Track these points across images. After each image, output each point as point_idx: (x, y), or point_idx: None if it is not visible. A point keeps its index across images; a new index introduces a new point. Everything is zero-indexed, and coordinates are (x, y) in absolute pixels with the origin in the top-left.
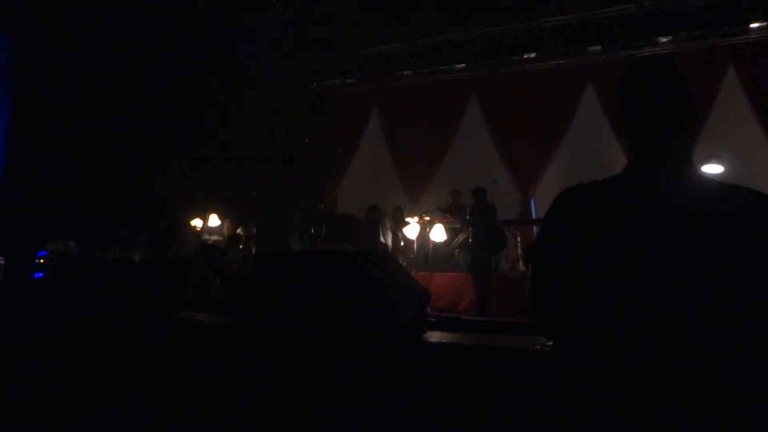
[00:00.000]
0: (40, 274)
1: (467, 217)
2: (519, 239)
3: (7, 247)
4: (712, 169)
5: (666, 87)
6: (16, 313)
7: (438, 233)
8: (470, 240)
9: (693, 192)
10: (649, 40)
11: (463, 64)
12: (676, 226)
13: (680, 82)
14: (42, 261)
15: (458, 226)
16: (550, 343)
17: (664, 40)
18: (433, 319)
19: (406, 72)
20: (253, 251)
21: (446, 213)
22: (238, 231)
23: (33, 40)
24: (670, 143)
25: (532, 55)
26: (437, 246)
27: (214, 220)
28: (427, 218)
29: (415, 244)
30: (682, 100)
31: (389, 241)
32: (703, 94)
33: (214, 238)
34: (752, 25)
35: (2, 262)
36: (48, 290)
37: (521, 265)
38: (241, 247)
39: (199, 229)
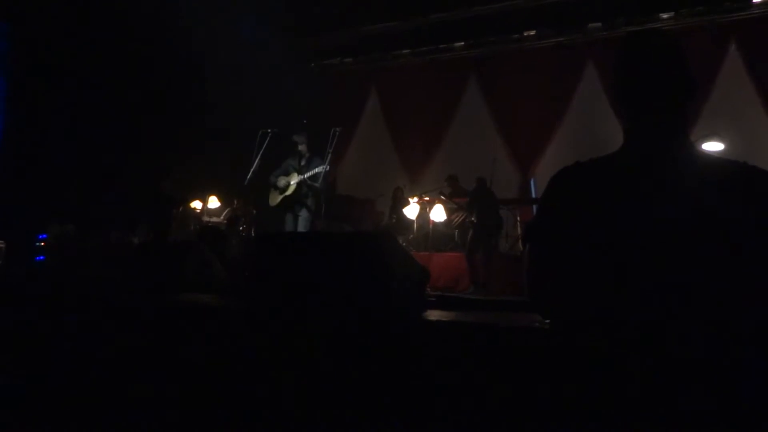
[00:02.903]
0: (41, 258)
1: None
2: (519, 219)
3: (8, 230)
4: (713, 146)
5: (661, 62)
6: (18, 296)
7: (438, 213)
8: (471, 221)
9: (691, 169)
10: (651, 16)
11: (462, 43)
12: (674, 203)
13: (676, 56)
14: (42, 244)
15: (459, 206)
16: (548, 321)
17: (665, 16)
18: (433, 299)
19: (404, 51)
20: (253, 232)
21: (450, 198)
22: (238, 212)
23: (30, 23)
24: (667, 120)
25: (532, 32)
26: (437, 226)
27: (213, 202)
28: (427, 198)
29: (415, 224)
30: (679, 75)
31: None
32: (704, 72)
33: (214, 219)
34: (755, 0)
35: (3, 245)
36: (49, 273)
37: (520, 245)
38: (241, 228)
39: (198, 211)
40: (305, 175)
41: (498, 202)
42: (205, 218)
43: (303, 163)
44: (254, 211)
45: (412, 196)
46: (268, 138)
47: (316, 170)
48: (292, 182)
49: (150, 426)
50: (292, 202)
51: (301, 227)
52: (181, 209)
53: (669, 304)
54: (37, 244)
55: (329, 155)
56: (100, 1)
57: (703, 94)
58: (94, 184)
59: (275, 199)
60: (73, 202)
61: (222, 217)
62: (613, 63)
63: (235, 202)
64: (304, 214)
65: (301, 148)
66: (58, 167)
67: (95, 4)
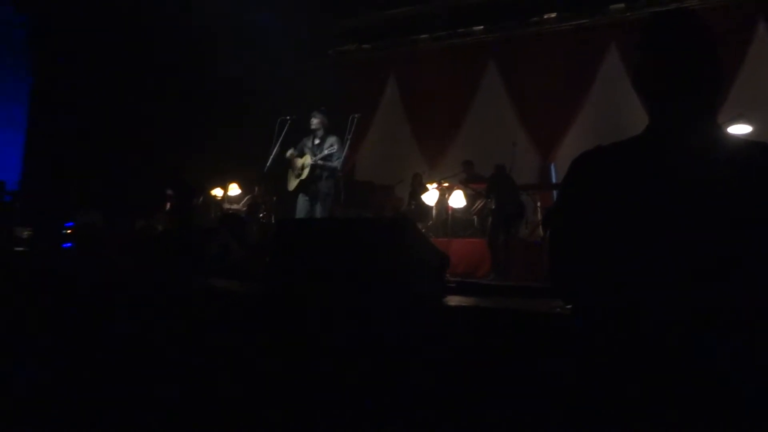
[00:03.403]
0: (69, 245)
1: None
2: (539, 204)
3: (36, 218)
4: (740, 129)
5: (688, 42)
6: (46, 281)
7: (457, 199)
8: (491, 207)
9: (717, 152)
10: None
11: (482, 27)
12: (700, 187)
13: (703, 36)
14: (69, 232)
15: (478, 192)
16: (569, 306)
17: None
18: (453, 284)
19: (423, 36)
20: (273, 219)
21: (466, 184)
22: (258, 199)
23: (50, 12)
24: (692, 102)
25: (553, 15)
26: (456, 212)
27: (234, 190)
28: (446, 184)
29: (434, 211)
30: (706, 56)
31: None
32: (731, 52)
33: (235, 206)
34: None
35: (30, 232)
36: (76, 259)
37: (540, 230)
38: (261, 215)
39: (219, 198)
40: (318, 157)
41: (518, 188)
42: (226, 205)
43: (317, 142)
44: (274, 198)
45: (431, 182)
46: (287, 125)
47: (326, 152)
48: (306, 165)
49: (173, 404)
50: (307, 186)
51: (318, 211)
52: (202, 199)
53: (695, 289)
54: (65, 231)
55: (348, 141)
56: None
57: (730, 74)
58: (119, 173)
59: (292, 183)
60: (99, 191)
61: (242, 204)
62: (637, 44)
63: (256, 189)
64: (319, 197)
65: (314, 125)
66: (85, 157)
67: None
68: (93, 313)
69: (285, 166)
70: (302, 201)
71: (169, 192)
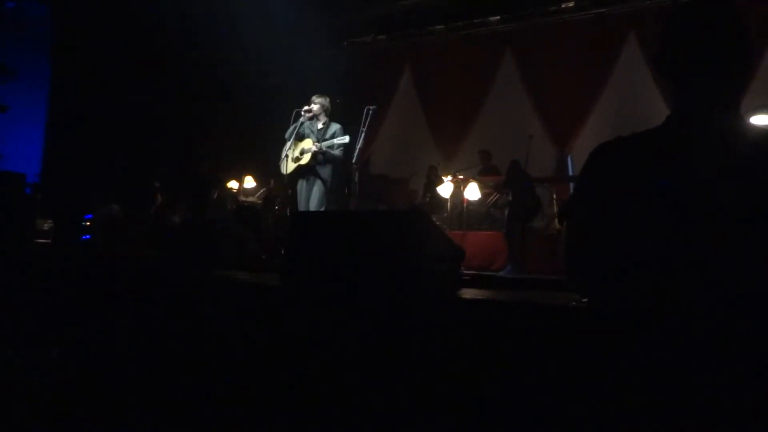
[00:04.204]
0: (88, 237)
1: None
2: (555, 197)
3: (56, 210)
4: (763, 120)
5: (716, 27)
6: (67, 272)
7: (472, 191)
8: (508, 200)
9: (739, 143)
10: None
11: (498, 17)
12: (721, 179)
13: (733, 22)
14: (89, 224)
15: (494, 185)
16: (585, 300)
17: None
18: (468, 277)
19: (438, 27)
20: (288, 211)
21: (481, 174)
22: (273, 192)
23: (71, 5)
24: (717, 90)
25: (571, 4)
26: (471, 205)
27: (249, 182)
28: (461, 177)
29: (449, 203)
30: (734, 42)
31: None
32: (755, 39)
33: (250, 199)
34: None
35: (51, 224)
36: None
37: (556, 223)
38: (276, 207)
39: (235, 190)
40: (323, 144)
41: (533, 182)
42: (242, 198)
43: (320, 126)
44: (289, 191)
45: (446, 175)
46: (302, 117)
47: (336, 141)
48: (307, 150)
49: (189, 394)
50: (307, 171)
51: (315, 199)
52: (216, 194)
53: (715, 282)
54: (84, 223)
55: (362, 133)
56: None
57: (755, 62)
58: (136, 166)
59: (289, 167)
60: (117, 184)
61: (257, 197)
62: (661, 29)
63: (272, 182)
64: (318, 183)
65: (315, 108)
66: (103, 150)
67: None
68: (107, 304)
69: (282, 147)
70: (302, 186)
71: (157, 184)
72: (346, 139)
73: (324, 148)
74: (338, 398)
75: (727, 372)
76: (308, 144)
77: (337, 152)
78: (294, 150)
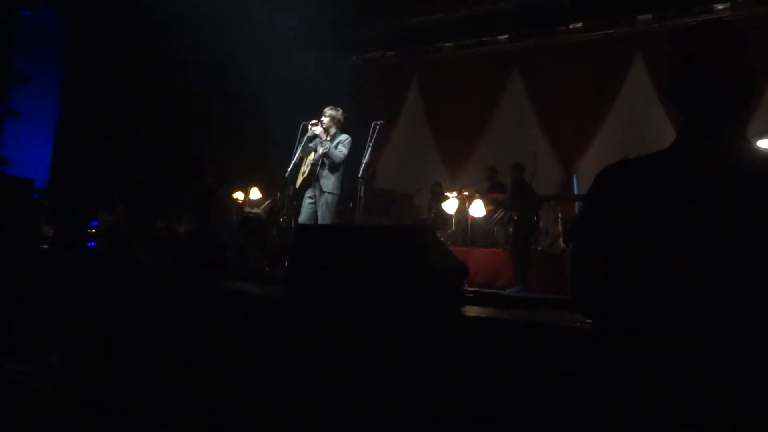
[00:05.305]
0: (92, 244)
1: (509, 194)
2: (560, 215)
3: (62, 216)
4: None
5: (720, 53)
6: (69, 279)
7: (477, 208)
8: (513, 218)
9: (746, 167)
10: (705, 6)
11: (506, 36)
12: (728, 203)
13: (736, 48)
14: (94, 231)
15: (501, 200)
16: (589, 321)
17: (720, 6)
18: (471, 294)
19: (446, 44)
20: (293, 224)
21: (487, 191)
22: (279, 203)
23: (82, 14)
24: (723, 115)
25: (579, 24)
26: (476, 221)
27: (255, 193)
28: (466, 193)
29: (454, 219)
30: (738, 68)
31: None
32: (761, 63)
33: (255, 210)
34: None
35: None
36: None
37: (561, 242)
38: (281, 219)
39: (240, 201)
40: (320, 151)
41: (538, 196)
42: (247, 209)
43: (328, 137)
44: (294, 203)
45: (452, 191)
46: (309, 132)
47: (329, 146)
48: (309, 162)
49: (189, 403)
50: (310, 183)
51: (320, 211)
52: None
53: (719, 305)
54: (90, 230)
55: (369, 148)
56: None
57: (760, 87)
58: (142, 174)
59: (298, 181)
60: (123, 192)
61: (262, 208)
62: (667, 55)
63: (278, 194)
64: (323, 197)
65: (325, 121)
66: (109, 158)
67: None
68: (110, 311)
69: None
70: (307, 202)
71: (124, 184)
72: (339, 142)
73: (320, 154)
74: (339, 413)
75: (736, 395)
76: (311, 156)
77: (339, 150)
78: (303, 164)
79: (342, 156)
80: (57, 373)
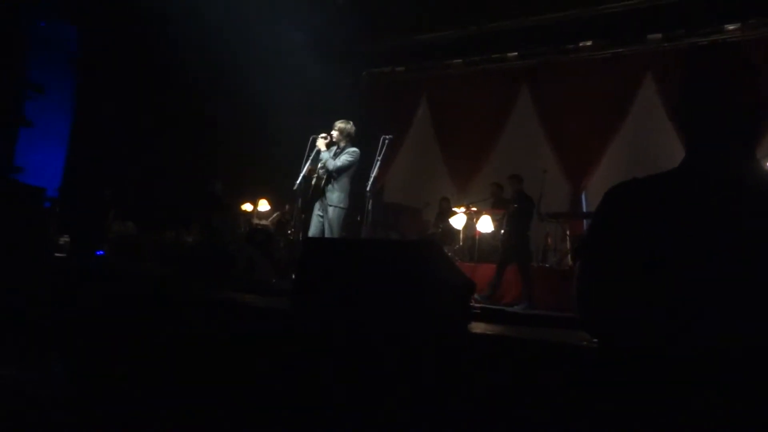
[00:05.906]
0: (101, 252)
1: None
2: (568, 233)
3: (73, 225)
4: None
5: (729, 79)
6: (82, 286)
7: (485, 224)
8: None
9: (755, 188)
10: (715, 27)
11: (516, 53)
12: (737, 225)
13: (745, 70)
14: (104, 240)
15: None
16: (596, 340)
17: (731, 27)
18: (477, 310)
19: (456, 60)
20: (301, 236)
21: (492, 207)
22: (287, 216)
23: (97, 27)
24: (732, 138)
25: (589, 43)
26: (483, 237)
27: (264, 205)
28: (474, 208)
29: (462, 235)
30: (748, 91)
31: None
32: None
33: (264, 222)
34: None
35: (67, 239)
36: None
37: (569, 260)
38: (290, 231)
39: (249, 213)
40: (322, 162)
41: (534, 206)
42: (255, 220)
43: (337, 150)
44: (303, 216)
45: (459, 206)
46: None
47: (327, 158)
48: (315, 174)
49: (195, 413)
50: (317, 196)
51: (326, 225)
52: (230, 213)
53: (726, 327)
54: (99, 239)
55: (377, 162)
56: (159, 8)
57: None
58: (152, 185)
59: (308, 195)
60: (133, 202)
61: (270, 221)
62: (678, 79)
63: (287, 206)
64: (330, 210)
65: (334, 134)
66: (120, 169)
67: (154, 11)
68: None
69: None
70: (316, 216)
71: (108, 192)
72: (343, 153)
73: (321, 164)
74: (344, 426)
75: (740, 418)
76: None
77: (339, 159)
78: (313, 177)
79: (338, 165)
80: (62, 381)
